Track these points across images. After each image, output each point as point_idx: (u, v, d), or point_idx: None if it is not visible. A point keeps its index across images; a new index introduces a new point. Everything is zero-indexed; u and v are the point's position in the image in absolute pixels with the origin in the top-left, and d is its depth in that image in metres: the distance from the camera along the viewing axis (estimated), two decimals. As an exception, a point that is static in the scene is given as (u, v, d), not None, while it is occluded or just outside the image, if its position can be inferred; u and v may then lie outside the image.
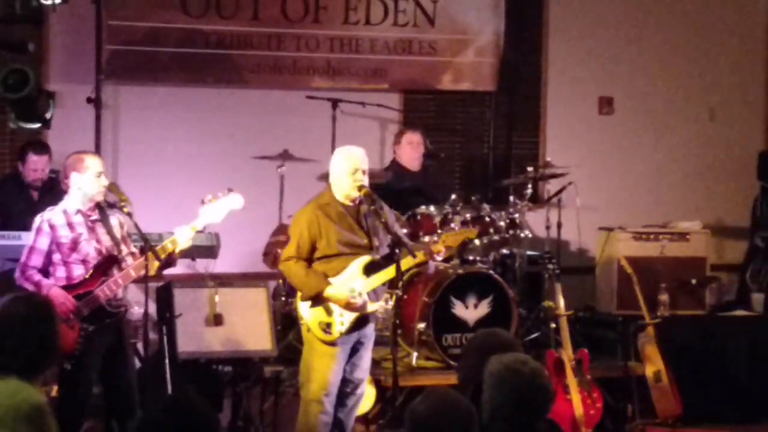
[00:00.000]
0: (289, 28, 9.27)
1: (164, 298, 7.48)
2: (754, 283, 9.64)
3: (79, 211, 6.34)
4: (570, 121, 10.07)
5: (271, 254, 8.22)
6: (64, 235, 6.28)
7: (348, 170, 6.57)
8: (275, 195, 8.61)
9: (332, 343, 6.58)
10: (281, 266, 6.77)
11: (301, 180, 8.50)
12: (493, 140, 9.99)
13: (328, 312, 6.57)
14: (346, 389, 6.72)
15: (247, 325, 7.55)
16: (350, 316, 6.56)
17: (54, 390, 5.85)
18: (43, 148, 8.19)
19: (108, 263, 6.33)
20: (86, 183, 6.31)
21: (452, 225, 8.03)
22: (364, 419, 7.38)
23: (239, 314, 7.55)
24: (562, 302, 7.63)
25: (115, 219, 6.47)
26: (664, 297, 8.73)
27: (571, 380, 7.42)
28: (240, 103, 9.28)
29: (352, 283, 6.57)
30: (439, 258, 7.12)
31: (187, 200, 6.82)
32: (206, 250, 8.00)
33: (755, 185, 10.07)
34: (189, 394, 3.59)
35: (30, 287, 6.20)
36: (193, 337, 7.41)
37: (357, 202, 6.64)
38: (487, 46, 9.76)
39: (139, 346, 7.56)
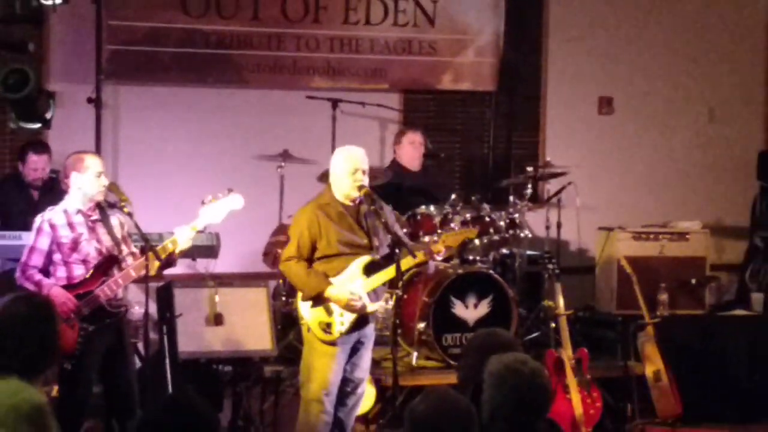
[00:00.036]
0: (289, 28, 9.27)
1: (165, 298, 7.48)
2: (753, 283, 9.64)
3: (79, 211, 6.34)
4: (570, 121, 10.08)
5: (271, 254, 8.22)
6: (65, 235, 6.28)
7: (348, 170, 6.57)
8: (275, 195, 8.62)
9: (332, 343, 6.58)
10: (282, 266, 6.77)
11: (301, 180, 8.49)
12: (493, 140, 9.99)
13: (328, 312, 6.57)
14: (347, 389, 6.72)
15: (247, 325, 7.55)
16: (350, 316, 6.57)
17: (54, 390, 5.84)
18: (42, 147, 8.19)
19: (108, 263, 6.33)
20: (86, 183, 6.31)
21: (452, 225, 8.03)
22: (364, 419, 7.38)
23: (239, 314, 7.55)
24: (561, 302, 7.63)
25: (115, 219, 6.48)
26: (663, 297, 8.73)
27: (571, 380, 7.42)
28: (240, 103, 9.29)
29: (353, 282, 6.57)
30: (439, 258, 7.12)
31: (187, 200, 6.82)
32: (206, 249, 8.01)
33: (755, 185, 10.07)
34: (189, 393, 3.59)
35: (30, 287, 6.21)
36: (194, 337, 7.41)
37: (357, 202, 6.65)
38: (487, 46, 9.76)
39: (140, 345, 7.56)
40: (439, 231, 7.82)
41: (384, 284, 6.75)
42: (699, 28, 10.39)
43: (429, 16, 9.60)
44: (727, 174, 10.40)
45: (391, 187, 8.17)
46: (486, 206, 8.44)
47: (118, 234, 6.44)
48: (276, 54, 9.26)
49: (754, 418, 8.08)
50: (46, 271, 6.30)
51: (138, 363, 7.50)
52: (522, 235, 8.49)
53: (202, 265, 8.05)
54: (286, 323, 8.03)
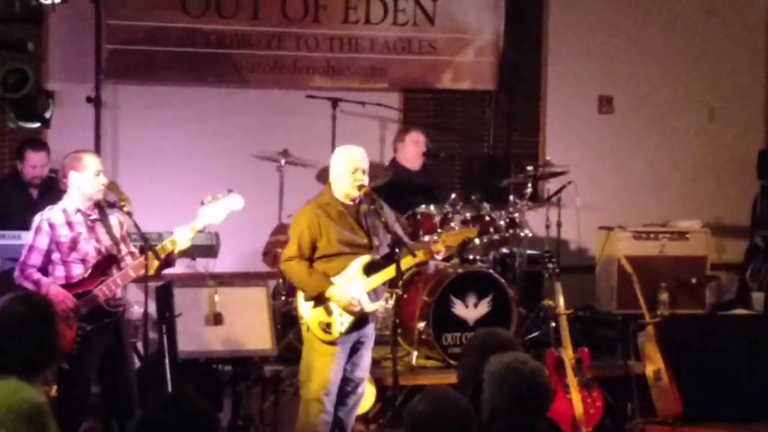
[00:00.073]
0: (289, 28, 9.27)
1: (164, 298, 7.48)
2: (754, 282, 9.63)
3: (78, 211, 6.34)
4: (570, 120, 10.07)
5: (270, 253, 8.21)
6: (64, 235, 6.28)
7: (348, 170, 6.57)
8: (275, 194, 8.61)
9: (332, 343, 6.58)
10: (283, 266, 6.77)
11: (300, 179, 8.49)
12: (492, 139, 9.99)
13: (328, 312, 6.57)
14: (347, 388, 6.72)
15: (247, 325, 7.54)
16: (350, 316, 6.57)
17: (54, 390, 5.83)
18: (40, 145, 8.19)
19: (107, 263, 6.32)
20: (85, 182, 6.31)
21: (452, 224, 8.03)
22: (364, 418, 7.37)
23: (239, 313, 7.54)
24: (562, 301, 7.63)
25: (114, 218, 6.47)
26: (664, 296, 8.73)
27: (571, 379, 7.41)
28: (240, 103, 9.28)
29: (353, 282, 6.57)
30: (439, 257, 7.11)
31: (186, 200, 6.82)
32: (206, 249, 8.01)
33: (755, 184, 10.06)
34: (189, 393, 3.59)
35: (29, 286, 6.20)
36: (193, 337, 7.40)
37: (357, 201, 6.64)
38: (486, 46, 9.76)
39: (139, 345, 7.56)
40: (439, 230, 7.82)
41: (384, 284, 6.75)
42: (699, 28, 10.39)
43: (429, 15, 9.59)
44: (728, 173, 10.40)
45: (391, 186, 8.16)
46: (486, 205, 8.44)
47: (117, 233, 6.44)
48: (276, 53, 9.25)
49: (754, 418, 8.07)
50: (44, 271, 6.29)
51: (137, 362, 7.50)
52: (522, 234, 8.49)
53: (202, 265, 8.05)
54: (285, 323, 8.02)
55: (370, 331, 6.76)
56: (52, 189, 7.74)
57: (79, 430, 6.46)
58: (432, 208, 8.25)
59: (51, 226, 6.28)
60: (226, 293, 7.54)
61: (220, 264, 8.16)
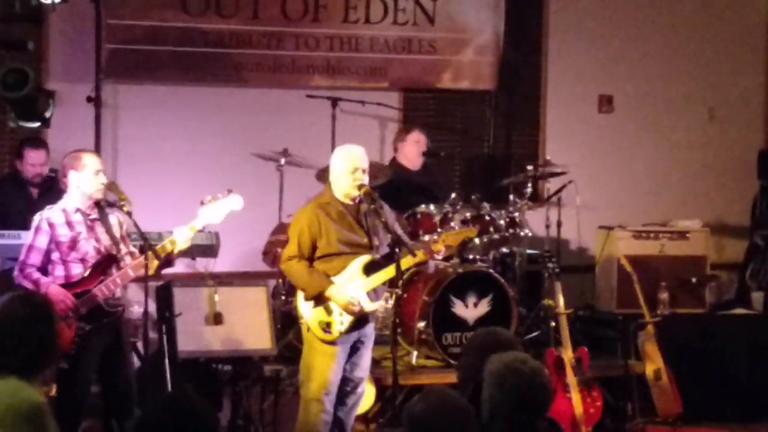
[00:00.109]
0: (289, 27, 9.26)
1: (164, 297, 7.48)
2: (753, 282, 9.63)
3: (78, 210, 6.34)
4: (570, 119, 10.07)
5: (270, 253, 8.21)
6: (63, 234, 6.28)
7: (348, 169, 6.57)
8: (275, 194, 8.60)
9: (332, 343, 6.58)
10: (283, 266, 6.77)
11: (300, 179, 8.49)
12: (492, 139, 9.98)
13: (328, 311, 6.57)
14: (346, 388, 6.72)
15: (246, 324, 7.54)
16: (350, 316, 6.57)
17: (53, 389, 5.84)
18: (39, 143, 8.19)
19: (107, 262, 6.32)
20: (84, 181, 6.31)
21: (452, 224, 8.02)
22: (364, 418, 7.37)
23: (239, 313, 7.54)
24: (561, 301, 7.62)
25: (114, 218, 6.47)
26: (664, 296, 8.73)
27: (571, 379, 7.41)
28: (239, 102, 9.28)
29: (353, 282, 6.57)
30: (439, 257, 7.11)
31: (186, 199, 6.82)
32: (206, 249, 8.00)
33: (755, 184, 10.07)
34: (188, 393, 3.58)
35: (28, 285, 6.20)
36: (193, 336, 7.40)
37: (357, 201, 6.64)
38: (486, 45, 9.76)
39: (139, 345, 7.56)
40: (439, 230, 7.81)
41: (384, 283, 6.75)
42: (699, 28, 10.39)
43: (429, 14, 9.59)
44: (727, 173, 10.39)
45: (391, 186, 8.16)
46: (486, 205, 8.43)
47: (117, 233, 6.44)
48: (275, 53, 9.25)
49: (754, 417, 8.07)
50: (44, 270, 6.29)
51: (137, 362, 7.50)
52: (522, 233, 8.48)
53: (202, 264, 8.04)
54: (285, 322, 8.02)
55: (370, 330, 6.76)
56: (52, 188, 7.74)
57: (79, 429, 6.46)
58: (432, 207, 8.25)
59: (50, 225, 6.28)
60: (225, 293, 7.54)
61: (220, 263, 8.16)
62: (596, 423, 7.48)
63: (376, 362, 7.29)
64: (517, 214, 8.46)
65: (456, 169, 9.98)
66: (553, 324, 7.84)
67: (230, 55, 9.15)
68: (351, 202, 6.64)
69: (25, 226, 6.75)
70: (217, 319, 7.47)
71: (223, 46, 9.11)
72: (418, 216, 8.21)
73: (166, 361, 7.04)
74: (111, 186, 6.42)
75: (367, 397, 7.05)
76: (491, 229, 8.36)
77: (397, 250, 6.53)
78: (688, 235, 9.19)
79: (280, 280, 8.12)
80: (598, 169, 9.96)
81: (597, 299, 9.25)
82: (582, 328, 8.55)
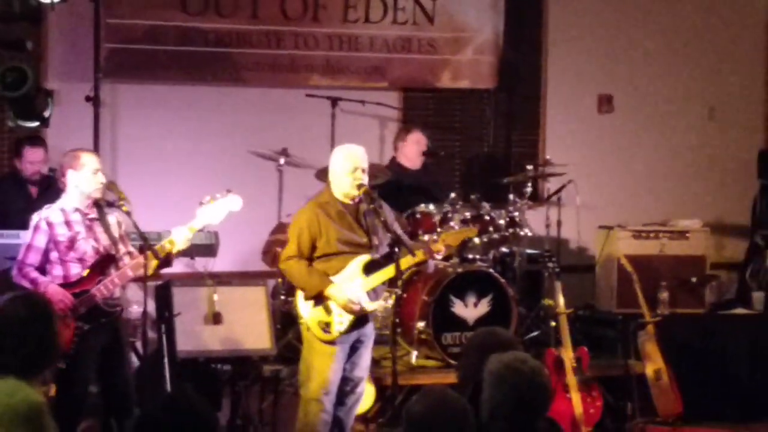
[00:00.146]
0: (288, 26, 9.26)
1: (163, 297, 7.47)
2: (754, 282, 9.62)
3: (77, 210, 6.33)
4: (569, 119, 10.06)
5: (270, 253, 8.20)
6: (62, 234, 6.26)
7: (347, 169, 6.56)
8: (274, 193, 8.60)
9: (331, 342, 6.57)
10: (282, 265, 6.76)
11: (300, 178, 8.49)
12: (492, 138, 9.98)
13: (327, 311, 6.56)
14: (346, 388, 6.71)
15: (246, 324, 7.53)
16: (349, 316, 6.56)
17: (53, 390, 5.83)
18: (38, 140, 8.19)
19: (105, 262, 6.31)
20: (83, 180, 6.29)
21: (452, 224, 8.02)
22: (363, 418, 7.36)
23: (238, 313, 7.53)
24: (561, 300, 7.62)
25: (113, 218, 6.46)
26: (664, 295, 8.73)
27: (571, 379, 7.40)
28: (239, 102, 9.27)
29: (352, 281, 6.56)
30: (438, 257, 7.10)
31: (186, 199, 6.80)
32: (205, 248, 8.00)
33: (755, 183, 10.06)
34: (188, 392, 3.57)
35: (26, 285, 6.19)
36: (192, 336, 7.39)
37: (356, 200, 6.63)
38: (486, 44, 9.75)
39: (138, 344, 7.56)
40: (438, 230, 7.81)
41: (383, 283, 6.74)
42: (699, 28, 10.38)
43: (428, 14, 9.58)
44: (727, 172, 10.39)
45: (390, 185, 8.15)
46: (486, 205, 8.42)
47: (116, 233, 6.42)
48: (275, 52, 9.24)
49: (754, 417, 8.07)
50: (42, 270, 6.28)
51: (136, 362, 7.49)
52: (522, 233, 8.48)
53: (201, 264, 8.03)
54: (285, 322, 8.01)
55: (369, 330, 6.75)
56: (51, 187, 7.73)
57: (78, 429, 6.44)
58: (431, 207, 8.24)
59: (49, 224, 6.27)
60: (225, 292, 7.53)
61: (220, 263, 8.15)
62: (596, 423, 7.48)
63: (375, 362, 7.29)
64: (516, 213, 8.46)
65: (456, 169, 9.97)
66: (553, 324, 7.84)
67: (229, 54, 9.14)
68: (350, 202, 6.63)
69: (24, 225, 6.73)
70: (216, 318, 7.46)
71: (223, 45, 9.10)
72: (418, 216, 8.20)
73: (166, 360, 7.04)
74: (110, 185, 6.41)
75: (366, 397, 7.05)
76: (491, 228, 8.35)
77: (396, 249, 6.53)
78: (688, 234, 9.18)
79: (280, 280, 8.11)
80: (598, 169, 9.95)
81: (597, 299, 9.24)
82: (582, 328, 8.54)
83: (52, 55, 8.81)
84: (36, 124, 7.52)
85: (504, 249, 8.57)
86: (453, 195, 8.30)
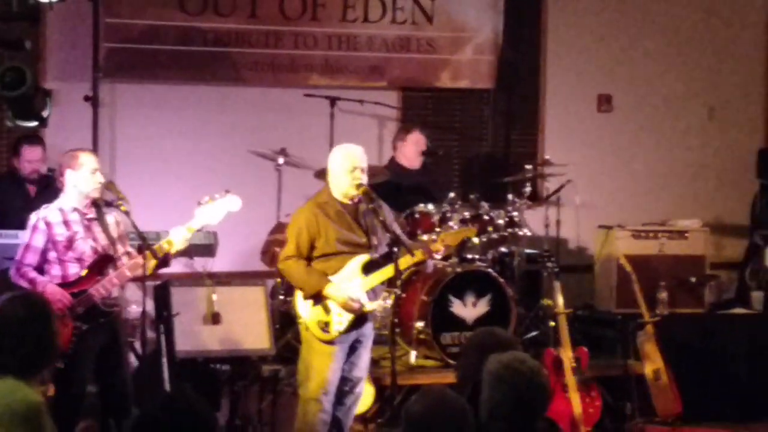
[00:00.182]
0: (287, 26, 9.25)
1: (162, 297, 7.46)
2: (753, 281, 9.62)
3: (75, 209, 6.32)
4: (569, 118, 10.06)
5: (269, 252, 8.19)
6: (60, 233, 6.26)
7: (346, 168, 6.55)
8: (273, 193, 8.59)
9: (330, 342, 6.56)
10: (281, 265, 6.75)
11: (298, 178, 8.48)
12: (491, 138, 9.98)
13: (326, 311, 6.55)
14: (345, 388, 6.71)
15: (245, 324, 7.53)
16: (348, 315, 6.55)
17: (51, 390, 5.82)
18: (36, 139, 8.18)
19: (103, 262, 6.30)
20: (81, 180, 6.29)
21: (451, 223, 8.02)
22: (362, 418, 7.35)
23: (237, 313, 7.53)
24: (561, 300, 7.61)
25: (111, 217, 6.45)
26: (663, 295, 8.72)
27: (570, 379, 7.40)
28: (238, 101, 9.26)
29: (351, 281, 6.55)
30: (437, 257, 7.10)
31: (184, 199, 6.80)
32: (204, 248, 7.99)
33: (754, 183, 10.06)
34: (186, 392, 3.57)
35: (25, 284, 6.19)
36: (191, 336, 7.39)
37: (355, 200, 6.62)
38: (485, 44, 9.75)
39: (137, 344, 7.55)
40: (437, 229, 7.80)
41: (382, 283, 6.74)
42: (699, 28, 10.37)
43: (427, 13, 9.57)
44: (727, 172, 10.39)
45: (389, 185, 8.15)
46: (485, 204, 8.42)
47: (114, 233, 6.42)
48: (274, 52, 9.24)
49: (754, 417, 8.06)
50: (41, 269, 6.27)
51: (135, 362, 7.48)
52: (521, 233, 8.47)
53: (200, 264, 8.03)
54: (284, 322, 8.00)
55: (368, 330, 6.74)
56: (49, 187, 7.72)
57: (76, 429, 6.44)
58: (430, 207, 8.24)
59: (47, 224, 6.26)
60: (224, 292, 7.53)
61: (218, 263, 8.15)
62: (595, 423, 7.48)
63: (374, 362, 7.28)
64: (516, 213, 8.45)
65: (455, 169, 9.97)
66: (552, 324, 7.83)
67: (228, 54, 9.13)
68: (349, 202, 6.62)
69: (23, 225, 6.72)
70: (215, 318, 7.46)
71: (221, 44, 9.10)
72: (417, 215, 8.20)
73: (164, 360, 7.04)
74: (109, 185, 6.40)
75: (365, 397, 7.04)
76: (490, 228, 8.35)
77: (395, 249, 6.52)
78: (687, 234, 9.18)
79: (279, 280, 8.10)
80: (598, 169, 9.95)
81: (596, 299, 9.24)
82: (581, 328, 8.54)
83: (50, 54, 8.80)
84: (35, 124, 7.51)
85: (503, 249, 8.56)
86: (452, 195, 8.30)
